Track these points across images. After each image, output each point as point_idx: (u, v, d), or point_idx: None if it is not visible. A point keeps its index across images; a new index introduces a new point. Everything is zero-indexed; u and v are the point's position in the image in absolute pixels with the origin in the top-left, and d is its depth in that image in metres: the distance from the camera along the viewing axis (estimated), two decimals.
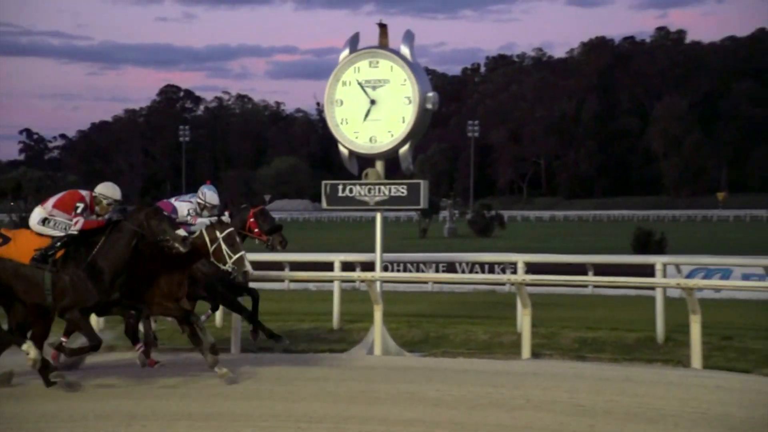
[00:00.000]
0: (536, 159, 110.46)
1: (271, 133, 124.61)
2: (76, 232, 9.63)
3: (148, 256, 9.71)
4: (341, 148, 12.32)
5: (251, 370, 10.51)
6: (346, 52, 12.16)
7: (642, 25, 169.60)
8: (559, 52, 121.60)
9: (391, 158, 12.40)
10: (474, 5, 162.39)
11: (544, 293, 16.59)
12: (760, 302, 17.07)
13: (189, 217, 10.59)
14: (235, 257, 9.78)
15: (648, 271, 15.27)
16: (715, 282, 17.53)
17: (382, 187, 12.23)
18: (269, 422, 8.30)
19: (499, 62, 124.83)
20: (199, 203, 10.98)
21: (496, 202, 74.36)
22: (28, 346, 9.54)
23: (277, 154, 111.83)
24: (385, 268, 14.82)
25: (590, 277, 16.22)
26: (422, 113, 11.93)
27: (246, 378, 10.06)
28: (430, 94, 12.05)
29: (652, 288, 14.06)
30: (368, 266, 14.28)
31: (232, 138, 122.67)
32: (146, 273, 9.87)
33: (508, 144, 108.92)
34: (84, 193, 9.97)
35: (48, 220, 9.79)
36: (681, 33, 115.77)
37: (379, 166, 12.44)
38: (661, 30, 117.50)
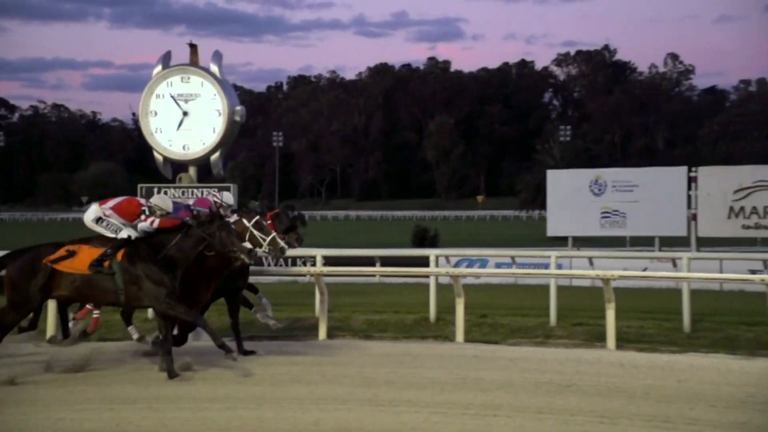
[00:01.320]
0: (332, 166, 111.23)
1: (89, 140, 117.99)
2: (131, 236, 9.25)
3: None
4: (156, 154, 11.89)
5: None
6: (159, 68, 11.74)
7: (417, 54, 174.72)
8: (350, 75, 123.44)
9: (203, 164, 12.07)
10: (276, 31, 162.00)
11: (339, 282, 16.60)
12: (509, 286, 17.79)
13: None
14: (268, 239, 9.65)
15: (424, 262, 15.60)
16: (475, 270, 18.10)
17: (195, 190, 11.90)
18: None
19: (299, 81, 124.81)
20: (215, 203, 10.50)
21: (299, 204, 74.25)
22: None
23: (95, 159, 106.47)
24: None
25: (377, 268, 16.48)
26: (231, 124, 11.70)
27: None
28: (238, 107, 11.83)
29: (427, 276, 14.36)
30: None
31: (48, 144, 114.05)
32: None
33: (308, 153, 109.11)
34: (142, 201, 9.73)
35: (102, 220, 9.42)
36: (447, 63, 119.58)
37: (192, 171, 12.11)
38: (432, 59, 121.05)
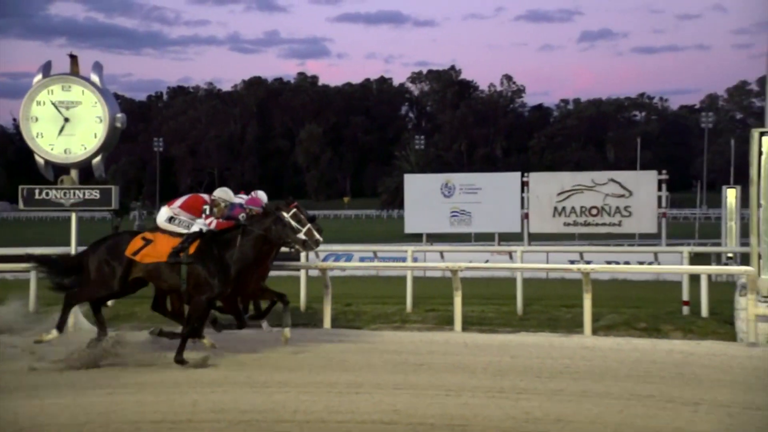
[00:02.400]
0: (210, 170, 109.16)
1: None
2: (202, 230, 8.99)
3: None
4: (37, 158, 11.25)
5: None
6: (40, 76, 11.11)
7: (288, 69, 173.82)
8: (226, 86, 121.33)
9: (85, 167, 11.53)
10: (155, 45, 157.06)
11: None
12: (371, 277, 17.88)
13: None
14: (304, 230, 9.01)
15: (295, 256, 15.49)
16: (341, 264, 18.09)
17: (77, 191, 11.34)
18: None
19: (178, 92, 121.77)
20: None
21: None
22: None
23: None
24: None
25: None
26: (112, 130, 11.19)
27: None
28: (119, 114, 11.32)
29: (298, 269, 14.24)
30: None
31: None
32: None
33: (188, 157, 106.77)
34: (205, 196, 9.39)
35: (173, 218, 9.16)
36: (315, 77, 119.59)
37: (74, 173, 11.52)
38: (301, 74, 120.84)
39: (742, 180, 12.15)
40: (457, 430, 6.18)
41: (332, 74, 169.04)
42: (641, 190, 17.17)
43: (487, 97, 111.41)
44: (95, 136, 11.08)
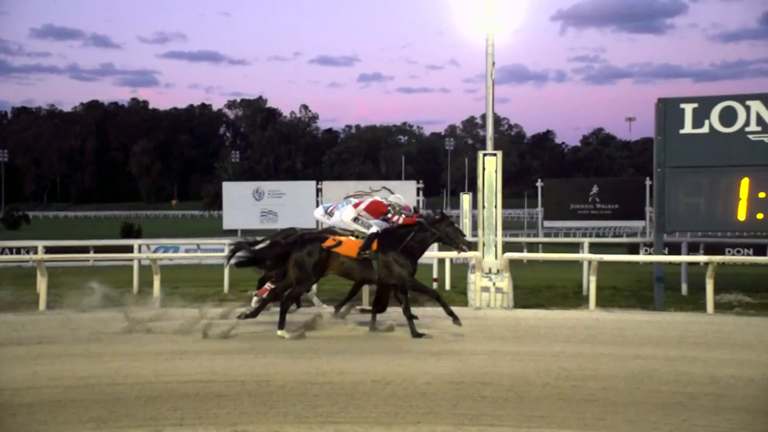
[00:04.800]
0: (53, 177, 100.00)
1: None
2: (379, 230, 8.60)
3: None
4: None
5: None
6: None
7: (122, 95, 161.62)
8: (67, 108, 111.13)
9: None
10: None
11: (59, 266, 14.96)
12: (195, 265, 17.35)
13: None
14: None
15: (130, 249, 15.00)
16: (169, 254, 17.30)
17: None
18: None
19: (22, 112, 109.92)
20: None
21: (23, 206, 65.89)
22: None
23: None
24: None
25: (91, 254, 15.19)
26: None
27: None
28: None
29: (132, 260, 13.52)
30: None
31: None
32: None
33: (32, 167, 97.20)
34: (385, 202, 8.90)
35: (358, 219, 8.80)
36: (146, 102, 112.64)
37: None
38: (134, 99, 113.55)
39: (473, 188, 13.02)
40: (262, 384, 6.16)
41: (161, 100, 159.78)
42: (405, 196, 17.80)
43: (289, 121, 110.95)
44: None
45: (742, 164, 10.78)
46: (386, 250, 8.55)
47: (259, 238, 9.87)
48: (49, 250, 14.69)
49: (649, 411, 5.12)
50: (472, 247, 9.30)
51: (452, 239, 8.75)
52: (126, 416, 5.26)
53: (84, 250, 16.23)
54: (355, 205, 8.99)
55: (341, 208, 9.13)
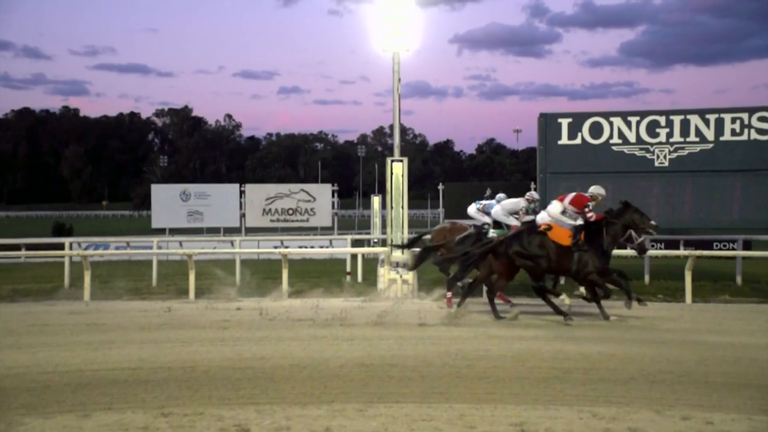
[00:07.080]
0: None
1: None
2: (582, 223, 8.14)
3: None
4: None
5: None
6: None
7: (54, 104, 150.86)
8: None
9: None
10: None
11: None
12: (125, 261, 16.58)
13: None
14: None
15: (61, 246, 14.23)
16: (100, 251, 16.60)
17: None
18: None
19: None
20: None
21: None
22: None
23: None
24: None
25: (23, 252, 14.76)
26: None
27: None
28: None
29: (63, 257, 12.79)
30: None
31: None
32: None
33: None
34: (587, 195, 8.35)
35: (565, 211, 8.29)
36: (77, 110, 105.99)
37: None
38: (65, 107, 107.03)
39: (383, 190, 13.13)
40: (187, 370, 5.93)
41: (92, 108, 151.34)
42: (321, 197, 17.80)
43: (214, 129, 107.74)
44: None
45: (606, 171, 11.45)
46: (585, 244, 8.15)
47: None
48: None
49: (531, 384, 5.32)
50: (659, 229, 8.59)
51: (638, 225, 8.15)
52: (55, 402, 4.93)
53: (15, 248, 15.21)
54: (560, 199, 8.50)
55: (550, 204, 8.58)
